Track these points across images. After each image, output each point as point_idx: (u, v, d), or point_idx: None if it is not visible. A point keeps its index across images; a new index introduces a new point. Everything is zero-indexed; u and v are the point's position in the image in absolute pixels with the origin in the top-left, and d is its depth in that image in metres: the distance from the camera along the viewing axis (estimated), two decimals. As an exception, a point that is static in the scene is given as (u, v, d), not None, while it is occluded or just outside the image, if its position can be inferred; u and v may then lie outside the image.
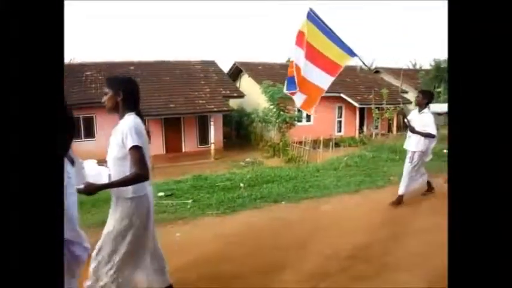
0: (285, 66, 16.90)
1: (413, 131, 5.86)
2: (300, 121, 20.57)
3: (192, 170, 12.23)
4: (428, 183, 6.58)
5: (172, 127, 19.62)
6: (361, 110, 23.16)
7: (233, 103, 21.44)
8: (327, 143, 17.33)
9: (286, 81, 5.75)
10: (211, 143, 19.49)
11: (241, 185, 7.56)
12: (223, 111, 19.60)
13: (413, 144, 5.97)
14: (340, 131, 23.41)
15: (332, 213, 5.74)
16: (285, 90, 5.95)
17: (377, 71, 32.06)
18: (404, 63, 35.42)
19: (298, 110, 20.91)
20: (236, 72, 24.97)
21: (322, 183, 7.92)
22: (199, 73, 22.12)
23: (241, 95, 20.99)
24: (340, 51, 5.29)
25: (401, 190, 6.14)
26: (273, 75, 20.87)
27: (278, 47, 70.09)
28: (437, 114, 5.89)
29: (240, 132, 22.74)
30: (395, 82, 27.25)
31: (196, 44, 72.64)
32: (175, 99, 18.91)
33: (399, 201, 6.08)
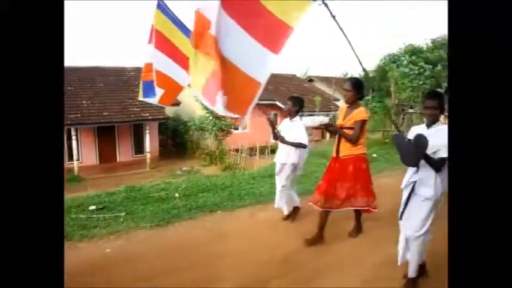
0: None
1: (283, 141, 5.28)
2: (237, 129, 20.65)
3: (128, 181, 11.95)
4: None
5: (106, 136, 19.08)
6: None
7: (169, 111, 21.17)
8: (263, 150, 17.58)
9: (141, 87, 5.22)
10: (146, 152, 19.13)
11: (176, 195, 7.49)
12: (159, 119, 19.35)
13: (283, 156, 5.38)
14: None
15: (267, 221, 5.79)
16: (140, 98, 5.36)
17: (310, 80, 33.00)
18: (335, 72, 36.83)
19: (234, 118, 21.04)
20: (171, 79, 24.62)
21: (258, 190, 7.98)
22: (133, 80, 21.60)
23: (176, 103, 20.76)
24: None
25: (285, 209, 5.70)
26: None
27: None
28: (312, 128, 5.53)
29: (177, 141, 22.49)
30: (328, 90, 28.21)
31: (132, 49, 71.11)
32: (109, 106, 18.41)
33: (294, 216, 5.70)
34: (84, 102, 17.96)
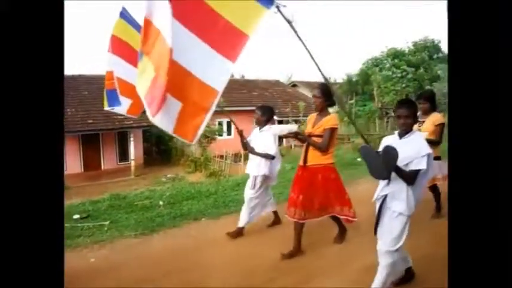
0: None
1: (252, 152, 5.25)
2: (221, 135, 20.70)
3: (112, 188, 11.90)
4: (275, 214, 5.83)
5: (90, 144, 19.00)
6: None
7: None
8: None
9: (105, 96, 5.06)
10: (131, 160, 19.06)
11: (161, 203, 7.49)
12: (143, 127, 19.27)
13: (254, 167, 5.30)
14: (261, 143, 23.78)
15: (252, 227, 5.71)
16: (105, 107, 5.22)
17: (294, 85, 33.22)
18: (319, 77, 37.02)
19: (219, 124, 21.10)
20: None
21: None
22: (117, 87, 21.49)
23: (161, 110, 20.66)
24: None
25: (242, 221, 5.45)
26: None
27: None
28: (284, 137, 5.33)
29: (161, 148, 22.40)
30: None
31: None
32: (93, 114, 18.30)
33: (238, 233, 5.43)
34: (68, 110, 17.88)
